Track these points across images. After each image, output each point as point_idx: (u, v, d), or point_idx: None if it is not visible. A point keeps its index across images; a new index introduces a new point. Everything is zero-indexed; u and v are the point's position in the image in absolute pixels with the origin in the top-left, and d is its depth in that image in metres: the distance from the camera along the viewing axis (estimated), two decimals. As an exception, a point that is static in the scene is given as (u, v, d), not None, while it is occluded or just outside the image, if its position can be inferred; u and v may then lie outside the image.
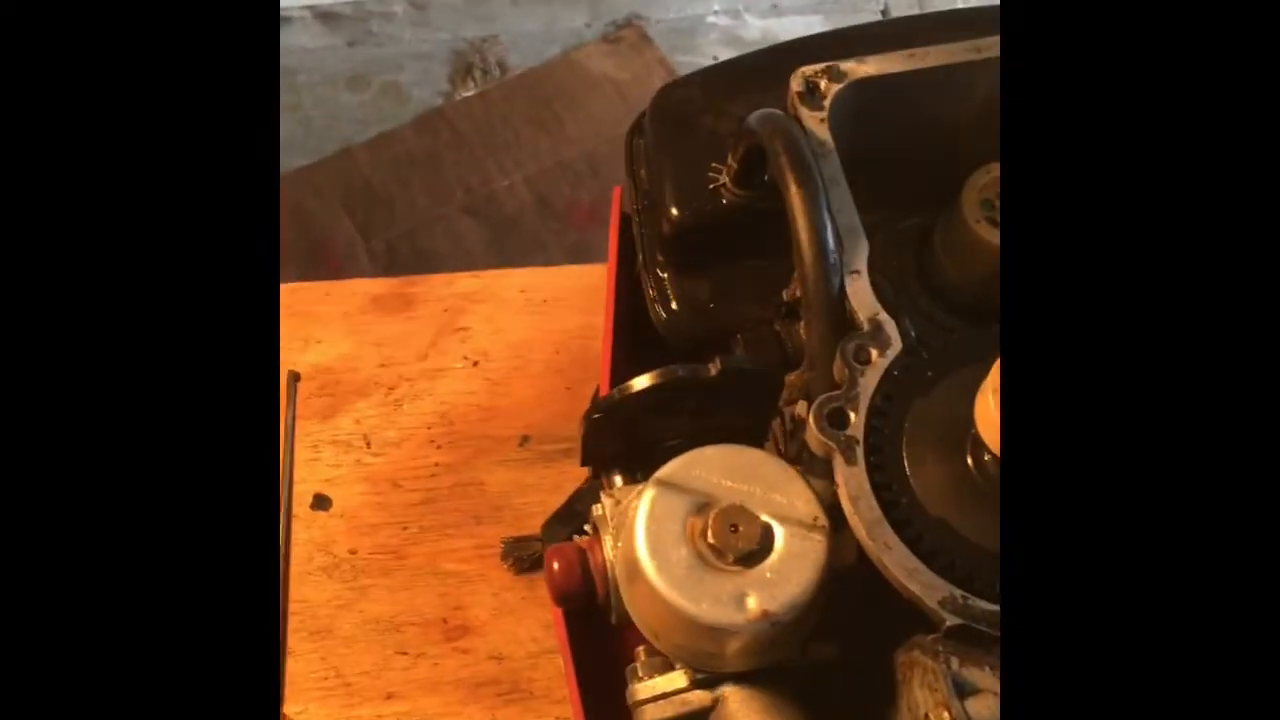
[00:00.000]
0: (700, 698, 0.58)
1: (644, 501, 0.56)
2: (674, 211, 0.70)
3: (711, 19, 1.92)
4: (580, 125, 1.73)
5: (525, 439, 0.86)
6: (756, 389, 0.62)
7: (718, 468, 0.57)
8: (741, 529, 0.55)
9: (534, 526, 0.82)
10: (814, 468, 0.58)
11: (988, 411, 0.52)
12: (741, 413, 0.63)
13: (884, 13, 1.88)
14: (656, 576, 0.55)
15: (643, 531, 0.56)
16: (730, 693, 0.58)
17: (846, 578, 0.57)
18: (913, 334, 0.60)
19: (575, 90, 1.77)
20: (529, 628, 0.80)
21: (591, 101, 1.76)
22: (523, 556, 0.82)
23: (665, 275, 0.72)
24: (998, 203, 0.67)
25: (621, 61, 1.81)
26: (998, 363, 0.52)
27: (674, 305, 0.71)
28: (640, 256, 0.73)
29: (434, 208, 1.66)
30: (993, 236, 0.66)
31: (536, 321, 0.91)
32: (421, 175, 1.67)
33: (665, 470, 0.57)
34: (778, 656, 0.57)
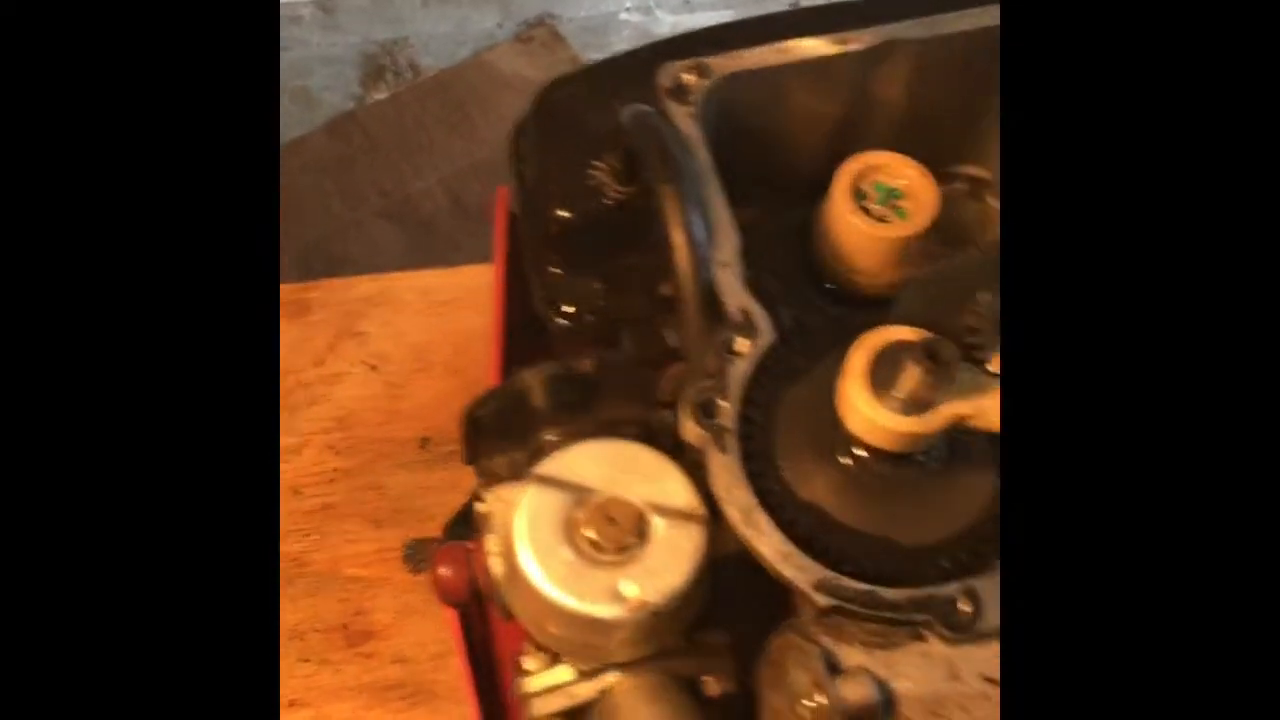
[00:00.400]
0: (587, 689, 0.58)
1: (523, 499, 0.56)
2: (560, 212, 0.70)
3: (624, 16, 1.93)
4: (493, 126, 1.73)
5: (425, 441, 0.86)
6: (637, 382, 0.63)
7: (596, 461, 0.57)
8: (619, 521, 0.56)
9: (436, 528, 0.82)
10: (693, 458, 0.59)
11: (847, 398, 0.53)
12: (624, 406, 0.63)
13: (794, 4, 1.90)
14: (535, 572, 0.55)
15: (522, 528, 0.56)
16: (617, 682, 0.58)
17: (732, 566, 0.58)
18: (789, 323, 0.62)
19: (488, 91, 1.76)
20: (432, 630, 0.81)
21: (504, 102, 1.75)
22: (425, 558, 0.82)
23: (553, 274, 0.72)
24: (870, 190, 0.69)
25: (533, 61, 1.81)
26: (854, 346, 0.53)
27: (562, 305, 0.72)
28: (527, 257, 0.74)
29: (348, 213, 1.64)
30: (865, 224, 0.67)
31: (436, 323, 0.91)
32: (334, 180, 1.65)
33: (544, 467, 0.57)
34: (663, 645, 0.58)
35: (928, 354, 0.50)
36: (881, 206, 0.68)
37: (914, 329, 0.53)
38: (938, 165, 0.70)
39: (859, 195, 0.69)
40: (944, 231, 0.69)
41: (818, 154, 0.71)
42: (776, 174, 0.71)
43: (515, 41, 1.83)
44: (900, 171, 0.69)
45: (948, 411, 0.51)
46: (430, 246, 1.61)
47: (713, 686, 0.60)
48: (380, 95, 1.77)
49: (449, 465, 0.85)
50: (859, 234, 0.67)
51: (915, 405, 0.51)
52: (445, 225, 1.64)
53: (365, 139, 1.69)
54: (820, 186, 0.70)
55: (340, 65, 1.79)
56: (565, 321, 0.71)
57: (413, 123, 1.72)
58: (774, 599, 0.57)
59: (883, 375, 0.52)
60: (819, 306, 0.68)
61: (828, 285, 0.70)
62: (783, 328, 0.60)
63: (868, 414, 0.52)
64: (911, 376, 0.50)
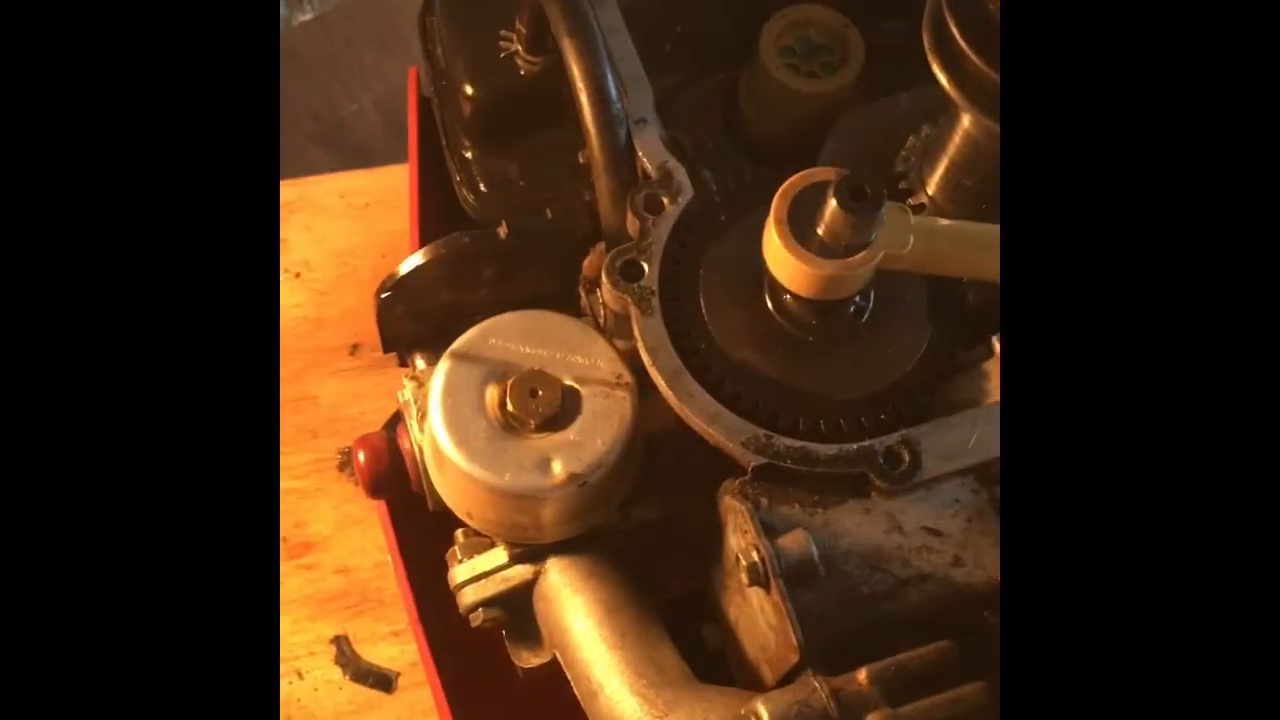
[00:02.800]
0: (521, 572, 0.56)
1: (438, 377, 0.54)
2: (470, 89, 0.67)
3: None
4: (426, 42, 1.67)
5: (355, 347, 0.83)
6: (556, 250, 0.60)
7: (515, 334, 0.55)
8: (542, 393, 0.53)
9: (374, 433, 0.80)
10: (621, 328, 0.56)
11: (773, 244, 0.50)
12: (546, 277, 0.60)
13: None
14: (456, 451, 0.53)
15: (438, 407, 0.53)
16: (551, 563, 0.56)
17: (670, 439, 0.56)
18: (713, 183, 0.59)
19: (418, 4, 1.70)
20: (375, 537, 0.78)
21: (436, 15, 1.69)
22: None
23: (470, 156, 0.69)
24: (796, 47, 0.65)
25: (464, -29, 1.74)
26: (779, 193, 0.50)
27: (482, 187, 0.68)
28: (443, 140, 0.70)
29: (284, 141, 1.59)
30: (791, 81, 0.64)
31: (359, 226, 0.88)
32: (266, 108, 1.59)
33: (459, 343, 0.55)
34: (596, 521, 0.56)
35: (847, 190, 0.47)
36: (808, 63, 0.65)
37: (836, 170, 0.50)
38: (865, 19, 0.67)
39: (786, 52, 0.66)
40: (873, 86, 0.66)
41: (742, 12, 0.67)
42: (702, 35, 0.68)
43: (444, -47, 1.76)
44: (827, 26, 0.66)
45: (874, 253, 0.49)
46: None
47: (651, 563, 0.58)
48: (306, 16, 1.70)
49: (383, 370, 0.82)
50: (786, 91, 0.64)
51: (839, 247, 0.49)
52: (380, 147, 1.59)
53: (293, 62, 1.63)
54: (746, 46, 0.67)
55: (263, -14, 1.72)
56: (484, 205, 0.68)
57: (341, 44, 1.66)
58: (716, 469, 0.55)
59: (806, 219, 0.49)
60: (742, 168, 0.65)
61: (752, 147, 0.67)
62: (705, 185, 0.57)
63: (791, 259, 0.49)
64: (832, 215, 0.48)
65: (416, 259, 0.56)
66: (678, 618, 0.58)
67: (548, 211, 0.66)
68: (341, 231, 0.87)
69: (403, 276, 0.57)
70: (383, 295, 0.58)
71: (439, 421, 0.53)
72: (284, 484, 0.80)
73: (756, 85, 0.66)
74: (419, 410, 0.57)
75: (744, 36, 0.67)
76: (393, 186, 0.89)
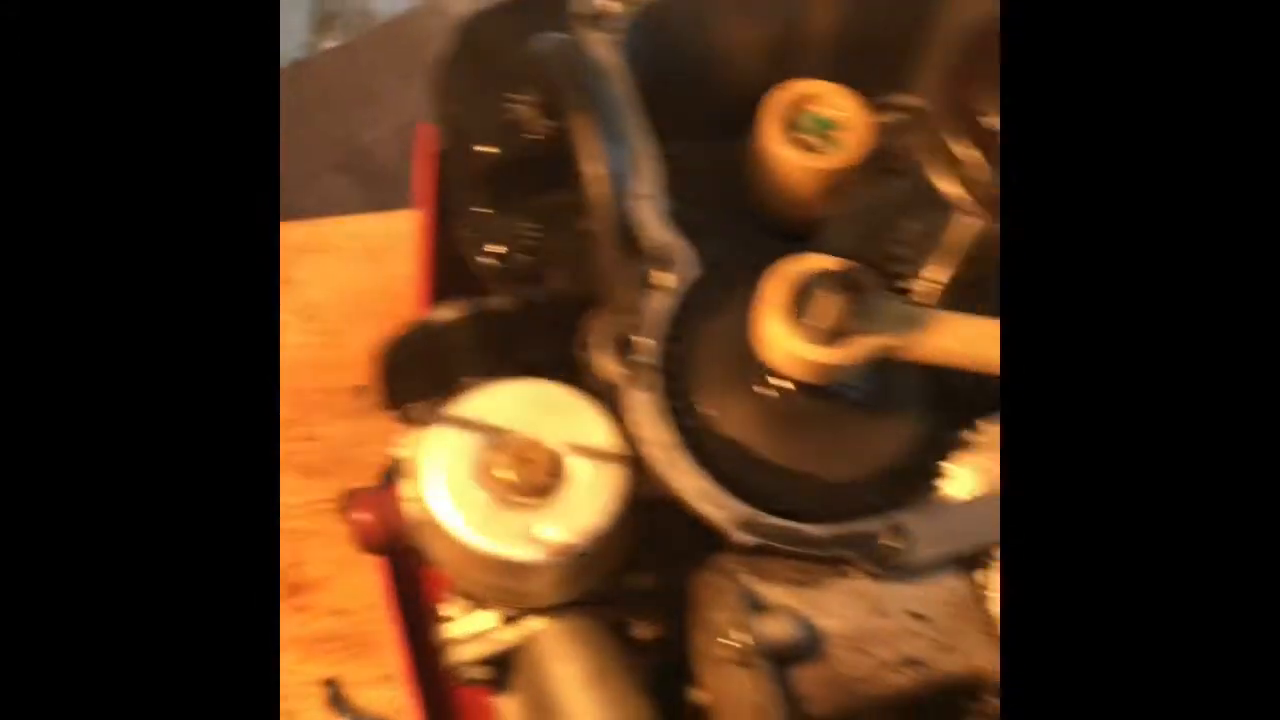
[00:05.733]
0: (510, 635, 0.57)
1: (431, 441, 0.55)
2: (483, 148, 0.68)
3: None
4: (449, 73, 1.69)
5: (361, 390, 0.84)
6: (563, 321, 0.60)
7: (511, 401, 0.56)
8: (535, 462, 0.54)
9: (373, 478, 0.81)
10: (617, 399, 0.57)
11: (762, 329, 0.51)
12: (552, 346, 0.61)
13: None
14: (447, 517, 0.53)
15: (431, 472, 0.54)
16: (542, 628, 0.57)
17: (661, 507, 0.57)
18: (716, 257, 0.60)
19: (442, 36, 1.72)
20: (370, 581, 0.79)
21: (459, 48, 1.71)
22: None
23: (479, 213, 0.70)
24: (799, 120, 0.66)
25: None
26: (768, 275, 0.51)
27: (490, 245, 0.69)
28: (454, 198, 0.71)
29: (304, 166, 1.61)
30: (794, 155, 0.65)
31: (371, 270, 0.89)
32: (288, 133, 1.61)
33: (454, 407, 0.55)
34: (587, 588, 0.56)
35: (846, 282, 0.48)
36: (814, 137, 0.66)
37: (834, 258, 0.51)
38: (875, 94, 0.67)
39: (792, 126, 0.66)
40: (881, 162, 0.66)
41: (750, 83, 0.68)
42: (709, 104, 0.69)
43: (469, -15, 1.78)
44: (835, 101, 0.66)
45: (869, 342, 0.50)
46: (388, 199, 1.58)
47: (641, 631, 0.59)
48: (332, 43, 1.72)
49: (388, 414, 0.83)
50: (789, 165, 0.65)
51: (834, 335, 0.50)
52: (400, 176, 1.61)
53: (319, 90, 1.65)
54: (755, 117, 0.68)
55: (290, 14, 1.74)
56: (491, 261, 0.69)
57: (367, 71, 1.68)
58: (705, 540, 0.55)
59: (801, 304, 0.50)
60: (749, 240, 0.66)
61: (761, 219, 0.67)
62: (708, 261, 0.58)
63: (785, 345, 0.50)
64: (830, 305, 0.48)
65: (429, 323, 0.58)
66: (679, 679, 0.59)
67: (556, 275, 0.67)
68: (352, 274, 0.88)
69: (411, 339, 0.58)
70: (387, 354, 0.59)
71: (430, 486, 0.54)
72: (285, 525, 0.81)
73: (758, 156, 0.67)
74: (414, 469, 0.58)
75: (754, 106, 0.68)
76: (403, 230, 0.90)
